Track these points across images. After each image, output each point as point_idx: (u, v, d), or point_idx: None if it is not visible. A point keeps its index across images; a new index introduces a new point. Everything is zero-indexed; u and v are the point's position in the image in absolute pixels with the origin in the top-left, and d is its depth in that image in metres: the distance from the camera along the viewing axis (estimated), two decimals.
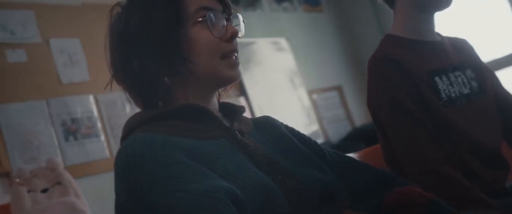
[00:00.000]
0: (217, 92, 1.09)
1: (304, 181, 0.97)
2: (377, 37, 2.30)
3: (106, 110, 2.72)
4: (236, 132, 1.00)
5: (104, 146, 2.67)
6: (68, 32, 2.71)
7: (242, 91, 3.53)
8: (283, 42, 4.01)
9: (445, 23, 3.09)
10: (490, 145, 1.34)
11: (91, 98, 2.71)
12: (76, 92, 2.67)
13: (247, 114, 1.12)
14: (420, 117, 1.26)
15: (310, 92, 3.99)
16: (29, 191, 2.03)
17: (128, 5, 1.01)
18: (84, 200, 2.12)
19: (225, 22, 0.99)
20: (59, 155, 2.49)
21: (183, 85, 0.99)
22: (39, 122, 2.51)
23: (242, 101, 3.49)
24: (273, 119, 1.17)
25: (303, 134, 1.16)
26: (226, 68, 0.98)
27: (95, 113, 2.70)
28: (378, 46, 1.41)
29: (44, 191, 2.06)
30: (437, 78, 1.33)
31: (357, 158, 1.36)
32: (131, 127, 0.98)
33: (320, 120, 3.96)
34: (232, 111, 1.07)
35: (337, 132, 3.95)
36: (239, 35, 1.04)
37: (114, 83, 1.04)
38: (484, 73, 1.45)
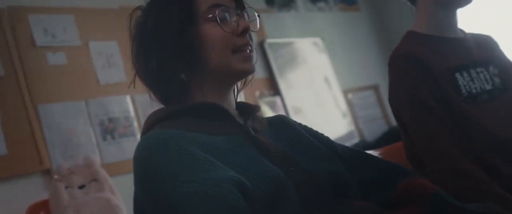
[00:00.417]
0: (234, 91, 1.12)
1: (315, 173, 0.99)
2: None
3: (143, 109, 2.80)
4: (250, 129, 1.03)
5: None
6: (106, 35, 2.81)
7: (277, 91, 3.55)
8: (318, 42, 4.01)
9: (477, 24, 3.04)
10: None
11: (128, 98, 2.80)
12: (114, 93, 2.76)
13: (282, 113, 1.15)
14: (439, 114, 1.26)
15: (346, 92, 3.98)
16: (67, 187, 2.13)
17: (146, 8, 1.07)
18: (119, 196, 2.20)
19: (237, 17, 1.03)
20: (97, 153, 2.59)
21: (200, 82, 1.04)
22: (78, 121, 2.61)
23: (277, 101, 3.51)
24: (287, 117, 1.20)
25: (315, 131, 1.19)
26: (238, 61, 1.02)
27: (132, 113, 2.78)
28: (399, 43, 1.41)
29: (81, 187, 2.15)
30: (457, 75, 1.33)
31: (380, 155, 1.38)
32: (150, 123, 1.03)
33: (355, 119, 3.95)
34: (248, 110, 1.11)
35: (373, 131, 3.92)
36: (253, 29, 1.07)
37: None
38: (508, 70, 1.44)
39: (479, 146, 1.29)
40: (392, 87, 1.37)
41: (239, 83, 1.17)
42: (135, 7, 1.10)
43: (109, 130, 2.69)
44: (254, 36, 3.52)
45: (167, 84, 1.03)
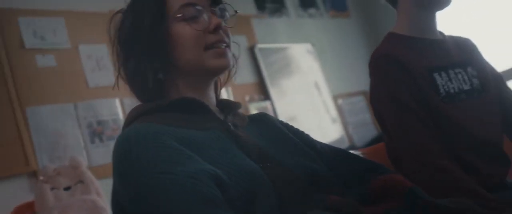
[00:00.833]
0: (216, 88, 1.14)
1: (293, 169, 1.01)
2: None
3: None
4: (229, 124, 1.05)
5: None
6: (96, 38, 2.82)
7: (267, 96, 3.57)
8: (309, 47, 4.04)
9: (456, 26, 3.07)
10: (490, 141, 1.35)
11: (117, 101, 2.81)
12: (103, 95, 2.77)
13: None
14: (419, 113, 1.28)
15: (336, 98, 4.00)
16: (52, 189, 2.13)
17: (125, 11, 1.09)
18: (105, 198, 2.20)
19: (210, 14, 1.04)
20: (84, 155, 2.59)
21: (176, 80, 1.06)
22: (67, 124, 2.61)
23: (267, 106, 3.53)
24: (268, 115, 1.22)
25: (296, 128, 1.20)
26: (211, 58, 1.03)
27: (121, 116, 2.79)
28: (380, 44, 1.43)
29: (67, 188, 2.15)
30: (436, 75, 1.35)
31: (363, 156, 1.39)
32: (131, 118, 1.05)
33: (345, 125, 3.96)
34: (229, 107, 1.12)
35: (363, 137, 3.94)
36: (230, 25, 1.09)
37: None
38: (486, 72, 1.46)
39: (457, 144, 1.31)
40: (373, 88, 1.39)
41: (221, 80, 1.18)
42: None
43: (98, 132, 2.70)
44: (244, 40, 3.54)
45: (144, 83, 1.05)
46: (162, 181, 0.87)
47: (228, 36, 1.07)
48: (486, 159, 1.33)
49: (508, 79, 2.66)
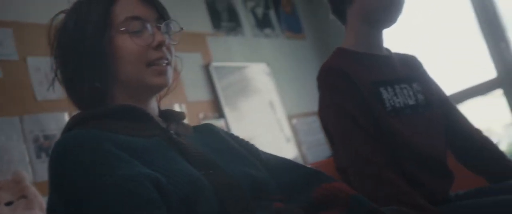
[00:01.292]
0: (155, 99, 1.12)
1: (235, 176, 1.00)
2: None
3: None
4: (171, 132, 1.04)
5: None
6: (45, 50, 2.75)
7: (221, 114, 3.55)
8: (264, 67, 4.06)
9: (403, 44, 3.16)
10: (434, 155, 1.38)
11: (66, 115, 2.74)
12: (51, 109, 2.70)
13: None
14: (364, 124, 1.30)
15: (290, 117, 4.03)
16: None
17: (69, 12, 1.07)
18: None
19: (155, 30, 1.03)
20: (29, 170, 2.50)
21: (115, 91, 1.04)
22: (12, 137, 2.52)
23: (221, 124, 3.51)
24: (213, 125, 1.21)
25: (241, 138, 1.21)
26: (151, 75, 1.02)
27: None
28: (328, 58, 1.45)
29: (9, 203, 2.07)
30: (382, 89, 1.37)
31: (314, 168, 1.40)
32: (70, 125, 1.03)
33: (299, 145, 3.98)
34: (172, 116, 1.11)
35: (317, 157, 3.96)
36: (174, 42, 1.08)
37: None
38: (431, 88, 1.50)
39: (402, 158, 1.33)
40: (321, 100, 1.41)
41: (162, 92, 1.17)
42: None
43: (44, 147, 2.62)
44: (199, 58, 3.53)
45: (82, 91, 1.03)
46: (100, 184, 0.85)
47: (171, 53, 1.06)
48: (430, 173, 1.35)
49: (457, 102, 2.73)
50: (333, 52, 1.47)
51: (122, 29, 1.01)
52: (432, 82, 1.53)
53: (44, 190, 2.40)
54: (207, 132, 1.16)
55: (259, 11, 4.26)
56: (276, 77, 4.08)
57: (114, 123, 1.00)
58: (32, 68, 2.72)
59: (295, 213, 0.97)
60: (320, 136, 4.15)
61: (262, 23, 4.22)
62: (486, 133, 1.53)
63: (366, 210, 0.98)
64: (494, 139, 1.55)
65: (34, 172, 2.53)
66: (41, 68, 2.75)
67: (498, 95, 3.49)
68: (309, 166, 1.61)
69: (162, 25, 1.04)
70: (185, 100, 3.28)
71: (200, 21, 3.74)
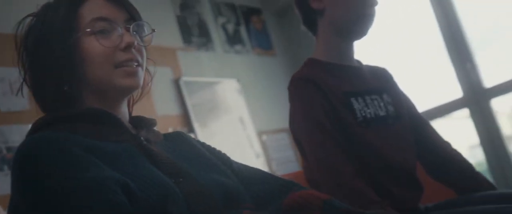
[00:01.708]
0: (126, 104, 1.10)
1: (206, 184, 0.98)
2: None
3: None
4: (142, 139, 1.01)
5: None
6: (9, 61, 2.68)
7: (191, 129, 3.52)
8: (234, 83, 4.05)
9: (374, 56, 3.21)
10: (404, 166, 1.38)
11: (30, 127, 2.67)
12: (15, 121, 2.63)
13: None
14: (334, 134, 1.30)
15: (260, 134, 4.02)
16: None
17: (36, 15, 1.05)
18: None
19: (124, 31, 1.01)
20: None
21: (84, 95, 1.01)
22: None
23: None
24: (184, 133, 1.20)
25: (212, 147, 1.19)
26: (120, 77, 1.00)
27: None
28: (299, 68, 1.45)
29: None
30: (353, 99, 1.38)
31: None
32: (36, 127, 0.99)
33: (269, 161, 3.97)
34: (142, 123, 1.09)
35: (287, 173, 3.95)
36: (146, 43, 1.06)
37: None
38: (401, 100, 1.51)
39: (372, 168, 1.33)
40: (291, 110, 1.41)
41: (134, 96, 1.15)
42: None
43: (7, 159, 2.54)
44: (169, 72, 3.50)
45: (49, 94, 1.00)
46: (65, 186, 0.82)
47: (141, 55, 1.03)
48: (400, 184, 1.36)
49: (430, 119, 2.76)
50: (304, 63, 1.47)
51: (88, 30, 0.98)
52: (402, 95, 1.54)
53: (6, 204, 2.32)
54: (178, 140, 1.14)
55: (230, 27, 4.27)
56: (246, 94, 4.08)
57: (82, 127, 0.97)
58: None
59: None
60: (290, 153, 4.15)
61: (233, 39, 4.22)
62: None
63: (341, 212, 0.97)
64: None
65: None
66: (5, 78, 2.68)
67: (464, 116, 3.55)
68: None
69: (132, 26, 1.02)
70: (154, 114, 3.24)
71: (171, 36, 3.72)
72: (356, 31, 1.42)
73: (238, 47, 4.23)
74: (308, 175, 1.40)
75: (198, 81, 3.79)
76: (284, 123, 4.49)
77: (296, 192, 1.03)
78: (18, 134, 2.62)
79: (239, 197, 1.02)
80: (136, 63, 1.02)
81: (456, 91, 3.46)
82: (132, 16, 1.04)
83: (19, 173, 0.87)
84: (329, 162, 1.27)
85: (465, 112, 3.49)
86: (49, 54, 0.98)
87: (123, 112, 1.07)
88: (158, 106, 3.31)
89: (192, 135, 3.52)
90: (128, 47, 1.00)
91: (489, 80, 3.34)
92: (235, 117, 3.94)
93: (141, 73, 1.03)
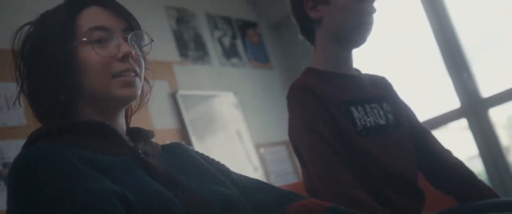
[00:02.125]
0: (124, 115, 1.09)
1: (205, 195, 0.97)
2: None
3: None
4: (139, 151, 1.00)
5: None
6: (5, 76, 2.67)
7: (188, 143, 3.50)
8: (231, 96, 4.04)
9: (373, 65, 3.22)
10: (405, 174, 1.37)
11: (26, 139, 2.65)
12: (11, 136, 2.60)
13: None
14: (333, 142, 1.29)
15: (258, 147, 4.00)
16: None
17: (34, 23, 1.04)
18: None
19: (121, 41, 1.00)
20: None
21: (81, 104, 1.00)
22: None
23: None
24: (183, 144, 1.18)
25: (212, 158, 1.18)
26: (118, 87, 0.98)
27: None
28: (297, 78, 1.44)
29: None
30: (352, 108, 1.36)
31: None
32: (33, 139, 0.98)
33: (267, 174, 3.95)
34: (141, 135, 1.07)
35: (285, 184, 3.93)
36: (144, 53, 1.05)
37: None
38: (401, 108, 1.50)
39: (373, 177, 1.32)
40: (290, 120, 1.40)
41: (132, 107, 1.14)
42: None
43: (3, 175, 2.51)
44: (166, 86, 3.49)
45: (46, 104, 0.99)
46: (62, 199, 0.81)
47: (139, 65, 1.02)
48: (402, 192, 1.34)
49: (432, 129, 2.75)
50: (302, 72, 1.46)
51: (84, 39, 0.97)
52: (402, 103, 1.53)
53: None
54: (176, 151, 1.13)
55: (226, 40, 4.27)
56: (243, 107, 4.07)
57: (79, 139, 0.96)
58: None
59: None
60: (288, 165, 4.13)
61: (229, 53, 4.22)
62: None
63: None
64: None
65: None
66: (1, 93, 2.67)
67: (462, 126, 3.55)
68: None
69: (130, 36, 1.00)
70: (151, 128, 3.22)
71: (167, 50, 3.72)
72: (354, 39, 1.42)
73: (234, 60, 4.23)
74: (307, 184, 1.39)
75: (195, 95, 3.78)
76: (282, 135, 4.49)
77: (298, 201, 1.02)
78: (14, 149, 2.59)
79: (239, 207, 1.01)
80: (133, 74, 1.00)
81: (453, 102, 3.46)
82: (131, 26, 1.02)
83: (15, 184, 0.85)
84: (329, 171, 1.25)
85: (463, 122, 3.48)
86: (45, 62, 0.97)
87: (121, 123, 1.06)
88: (155, 120, 3.30)
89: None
90: (125, 57, 0.99)
91: (486, 90, 3.34)
92: (233, 130, 3.93)
93: (139, 83, 1.02)
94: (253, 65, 4.37)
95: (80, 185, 0.82)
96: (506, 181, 3.23)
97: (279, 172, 4.05)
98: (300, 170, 4.27)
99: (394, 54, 3.94)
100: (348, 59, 1.46)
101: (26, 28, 1.04)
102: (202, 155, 1.18)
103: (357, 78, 1.46)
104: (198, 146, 3.55)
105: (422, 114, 3.50)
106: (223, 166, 1.17)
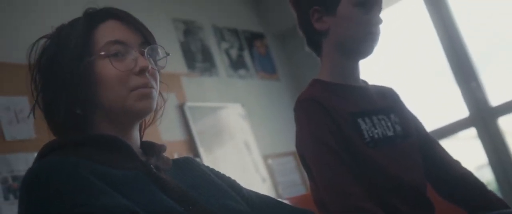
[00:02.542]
0: (138, 128, 1.09)
1: (216, 211, 0.98)
2: None
3: None
4: (151, 166, 1.00)
5: None
6: (16, 90, 2.70)
7: (196, 154, 3.51)
8: (239, 107, 4.05)
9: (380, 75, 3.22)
10: (414, 185, 1.36)
11: (36, 156, 2.66)
12: (20, 149, 2.62)
13: None
14: (341, 155, 1.28)
15: (266, 157, 4.00)
16: None
17: (50, 36, 1.05)
18: None
19: (138, 55, 1.01)
20: None
21: (97, 118, 1.01)
22: None
23: None
24: (193, 159, 1.19)
25: (222, 174, 1.18)
26: (134, 100, 0.99)
27: None
28: (304, 90, 1.44)
29: None
30: (360, 120, 1.36)
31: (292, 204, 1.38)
32: (46, 151, 0.99)
33: (275, 185, 3.94)
34: (153, 149, 1.08)
35: (293, 196, 3.92)
36: (160, 67, 1.06)
37: None
38: (409, 119, 1.50)
39: (382, 189, 1.31)
40: (297, 132, 1.40)
41: (146, 120, 1.14)
42: None
43: (13, 188, 2.52)
44: (173, 98, 3.51)
45: (61, 117, 0.99)
46: (76, 213, 0.81)
47: (155, 79, 1.03)
48: (411, 204, 1.34)
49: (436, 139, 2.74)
50: (309, 84, 1.47)
51: (102, 53, 0.98)
52: (409, 114, 1.53)
53: None
54: (186, 166, 1.13)
55: (233, 52, 4.29)
56: (251, 118, 4.07)
57: (93, 152, 0.97)
58: (1, 107, 2.66)
59: None
60: (296, 176, 4.12)
61: (236, 64, 4.24)
62: None
63: None
64: None
65: None
66: (10, 107, 2.69)
67: (471, 135, 3.53)
68: (286, 201, 1.58)
69: (146, 50, 1.01)
70: (159, 139, 3.23)
71: (175, 62, 3.73)
72: (361, 50, 1.42)
73: (241, 72, 4.24)
74: (315, 196, 1.38)
75: (203, 106, 3.79)
76: (289, 146, 4.49)
77: None
78: (24, 162, 2.61)
79: None
80: (150, 87, 1.01)
81: (462, 111, 3.45)
82: (147, 40, 1.03)
83: (26, 198, 0.86)
84: (337, 183, 1.25)
85: (472, 131, 3.46)
86: (62, 75, 0.98)
87: (135, 136, 1.06)
88: (163, 132, 3.31)
89: (198, 160, 3.50)
90: (142, 71, 0.99)
91: (495, 98, 3.32)
92: (240, 141, 3.93)
93: (155, 96, 1.03)
94: (261, 76, 4.38)
95: (94, 200, 0.82)
96: None
97: (287, 182, 4.04)
98: (307, 181, 4.27)
99: (402, 63, 3.93)
100: (355, 70, 1.46)
101: (43, 41, 1.05)
102: (212, 170, 1.18)
103: (364, 90, 1.46)
104: (206, 158, 3.55)
105: (431, 123, 3.48)
106: (233, 181, 1.18)
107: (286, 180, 4.04)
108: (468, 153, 3.74)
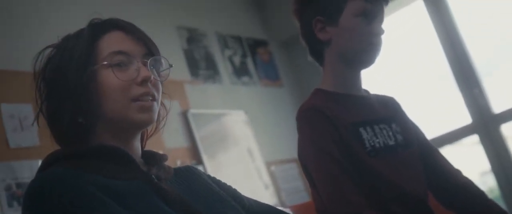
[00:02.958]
0: (139, 138, 1.10)
1: None
2: None
3: None
4: (153, 176, 1.01)
5: None
6: (20, 97, 2.71)
7: (199, 161, 3.52)
8: (242, 114, 4.06)
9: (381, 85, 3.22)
10: (416, 194, 1.37)
11: (40, 163, 2.68)
12: (25, 157, 2.63)
13: None
14: (343, 164, 1.29)
15: (269, 164, 4.00)
16: None
17: (56, 46, 1.06)
18: None
19: (140, 65, 1.02)
20: None
21: (99, 127, 1.02)
22: None
23: None
24: (195, 168, 1.19)
25: (223, 182, 1.19)
26: (136, 111, 1.00)
27: None
28: (307, 99, 1.45)
29: None
30: (361, 129, 1.37)
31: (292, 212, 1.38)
32: (48, 162, 1.00)
33: (278, 191, 3.94)
34: (154, 158, 1.09)
35: (296, 204, 3.92)
36: (162, 78, 1.07)
37: None
38: (410, 128, 1.51)
39: (383, 197, 1.32)
40: (299, 141, 1.40)
41: (148, 131, 1.15)
42: None
43: (17, 195, 2.54)
44: (177, 105, 3.51)
45: (65, 126, 1.00)
46: None
47: (157, 89, 1.04)
48: (412, 212, 1.34)
49: (439, 146, 2.75)
50: (311, 93, 1.48)
51: (105, 63, 0.99)
52: (411, 123, 1.54)
53: None
54: (188, 175, 1.14)
55: (237, 59, 4.30)
56: (254, 125, 4.08)
57: (95, 164, 0.98)
58: (6, 115, 2.68)
59: None
60: (299, 183, 4.12)
61: (240, 71, 4.25)
62: None
63: None
64: None
65: None
66: (15, 115, 2.70)
67: (473, 142, 3.52)
68: (288, 210, 1.59)
69: (149, 61, 1.02)
70: (163, 146, 3.25)
71: (178, 69, 3.74)
72: (363, 60, 1.43)
73: (245, 79, 4.25)
74: (317, 205, 1.39)
75: (206, 113, 3.80)
76: (292, 153, 4.46)
77: None
78: (28, 170, 2.62)
79: None
80: (151, 98, 1.02)
81: (464, 118, 3.44)
82: (150, 51, 1.05)
83: (30, 208, 0.87)
84: (338, 191, 1.26)
85: (474, 138, 3.46)
86: (66, 85, 0.99)
87: (136, 146, 1.07)
88: (166, 139, 3.32)
89: (201, 167, 3.51)
90: (144, 81, 1.00)
91: (498, 105, 3.32)
92: (243, 148, 3.94)
93: (156, 108, 1.04)
94: (264, 83, 4.39)
95: (96, 212, 0.83)
96: None
97: (290, 189, 4.04)
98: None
99: (405, 70, 3.94)
100: (357, 80, 1.47)
101: (48, 50, 1.07)
102: (213, 179, 1.19)
103: (366, 99, 1.47)
104: (209, 164, 3.56)
105: (434, 130, 3.49)
106: (234, 190, 1.18)
107: (289, 187, 4.05)
108: (471, 159, 3.73)
